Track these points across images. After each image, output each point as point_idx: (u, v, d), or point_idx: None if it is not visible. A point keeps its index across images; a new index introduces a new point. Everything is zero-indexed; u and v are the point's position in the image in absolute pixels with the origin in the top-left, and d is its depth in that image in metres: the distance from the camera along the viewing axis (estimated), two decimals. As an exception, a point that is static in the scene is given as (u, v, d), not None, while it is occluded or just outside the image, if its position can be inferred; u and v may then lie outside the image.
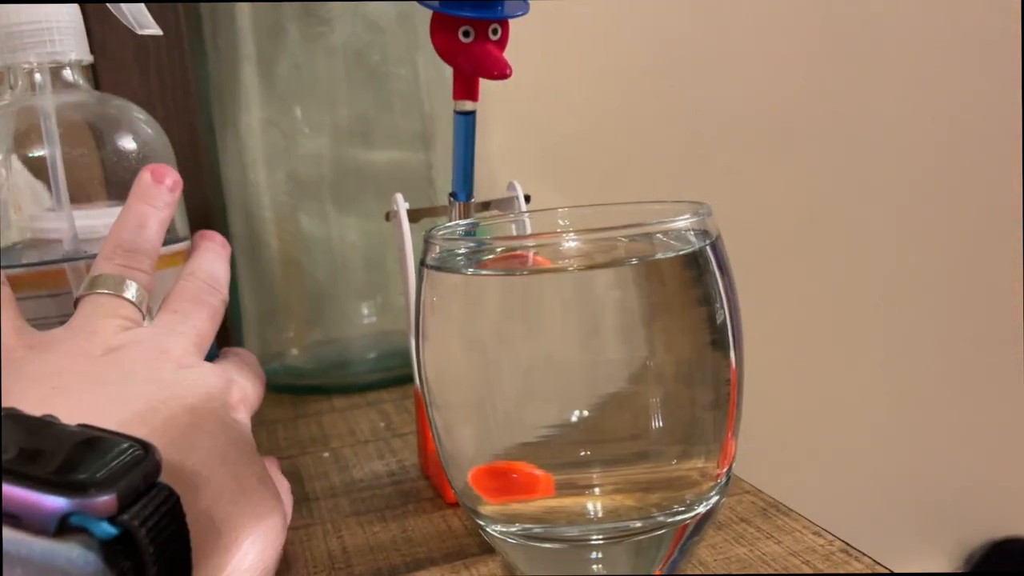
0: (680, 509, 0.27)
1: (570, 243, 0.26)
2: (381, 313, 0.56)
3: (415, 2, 0.32)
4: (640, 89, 0.72)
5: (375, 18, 0.51)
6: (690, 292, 0.26)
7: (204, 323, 0.32)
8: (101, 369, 0.28)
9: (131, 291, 0.31)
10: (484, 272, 0.27)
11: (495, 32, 0.32)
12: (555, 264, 0.27)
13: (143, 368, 0.28)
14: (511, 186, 0.38)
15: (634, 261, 0.26)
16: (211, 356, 0.33)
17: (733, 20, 0.73)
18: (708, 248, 0.26)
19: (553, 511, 0.27)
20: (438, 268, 0.27)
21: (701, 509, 0.27)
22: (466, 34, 0.32)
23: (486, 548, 0.31)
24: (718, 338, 0.26)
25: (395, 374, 0.54)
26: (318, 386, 0.53)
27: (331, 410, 0.49)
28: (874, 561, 0.27)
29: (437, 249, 0.27)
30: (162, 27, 0.62)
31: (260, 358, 0.55)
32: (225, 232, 0.54)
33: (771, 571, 0.28)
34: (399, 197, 0.36)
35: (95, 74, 0.61)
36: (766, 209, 0.75)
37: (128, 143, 0.36)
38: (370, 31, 0.51)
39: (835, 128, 0.76)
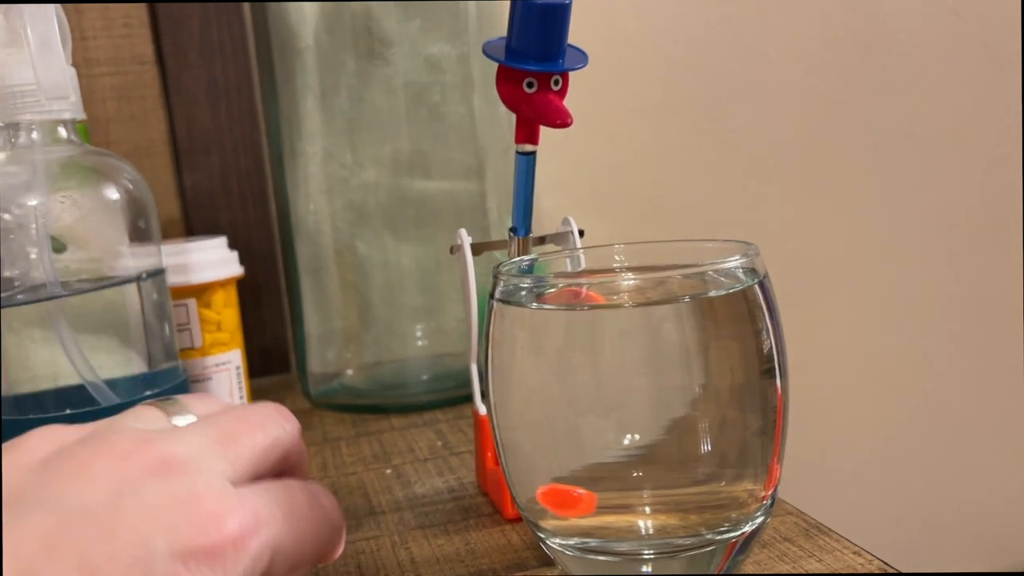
0: (728, 528, 0.29)
1: (628, 281, 0.29)
2: (434, 336, 0.59)
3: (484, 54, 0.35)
4: (682, 121, 0.74)
5: (436, 59, 0.54)
6: (739, 327, 0.28)
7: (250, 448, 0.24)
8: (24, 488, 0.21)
9: (178, 420, 0.24)
10: (548, 306, 0.30)
11: (556, 83, 0.35)
12: (614, 299, 0.29)
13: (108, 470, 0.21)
14: (565, 221, 0.41)
15: (687, 298, 0.28)
16: None
17: (775, 51, 0.75)
18: (757, 286, 0.29)
19: (608, 527, 0.29)
20: (506, 302, 0.30)
21: (747, 528, 0.29)
22: (530, 85, 0.34)
23: (545, 561, 0.33)
24: (765, 369, 0.29)
25: (449, 395, 0.56)
26: (375, 405, 0.56)
27: (390, 429, 0.52)
28: (911, 580, 0.29)
29: (504, 284, 0.30)
30: (232, 66, 0.66)
31: (320, 377, 0.58)
32: (292, 256, 0.58)
33: (813, 587, 0.30)
34: (463, 232, 0.39)
35: (168, 108, 0.65)
36: (809, 238, 0.77)
37: (112, 193, 0.39)
38: (430, 71, 0.54)
39: (875, 158, 0.78)
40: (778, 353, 0.29)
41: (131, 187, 0.40)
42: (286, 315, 0.70)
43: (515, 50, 0.34)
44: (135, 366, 0.39)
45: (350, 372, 0.60)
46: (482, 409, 0.40)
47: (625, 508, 0.29)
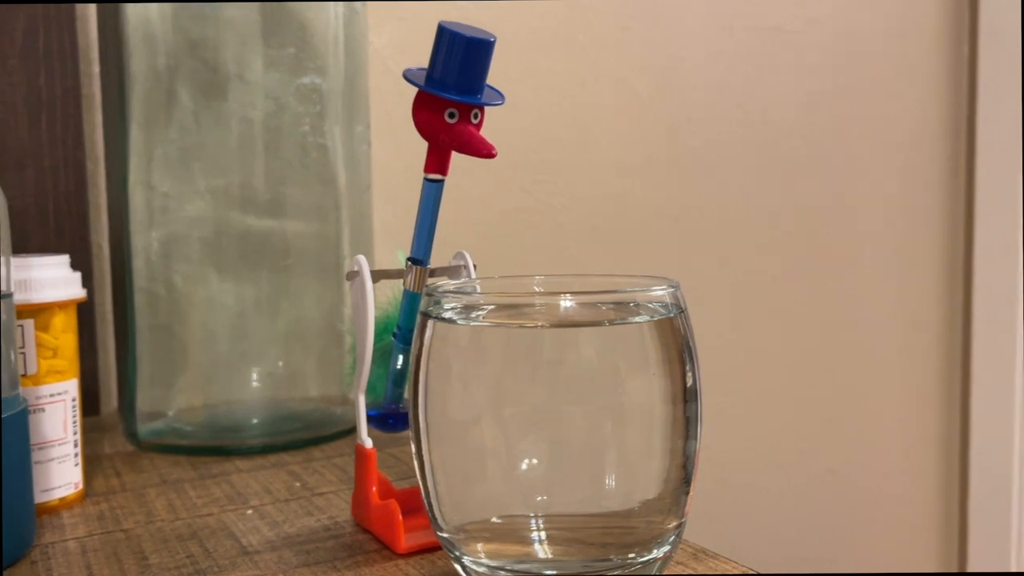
0: (640, 555, 0.30)
1: (566, 303, 0.30)
2: (272, 378, 0.57)
3: (408, 81, 0.35)
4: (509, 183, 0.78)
5: (292, 93, 0.53)
6: (662, 355, 0.30)
7: None
8: None
9: None
10: (488, 324, 0.30)
11: (475, 116, 0.36)
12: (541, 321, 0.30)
13: None
14: (459, 255, 0.41)
15: (618, 322, 0.30)
16: None
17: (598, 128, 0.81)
18: (679, 317, 0.31)
19: (531, 553, 0.30)
20: (449, 320, 0.29)
21: (659, 554, 0.30)
22: (451, 115, 0.35)
23: (451, 592, 0.33)
24: (685, 397, 0.30)
25: (294, 437, 0.54)
26: (215, 447, 0.53)
27: (236, 471, 0.49)
28: (800, 593, 0.32)
29: (446, 302, 0.30)
30: (59, 78, 0.61)
31: (150, 415, 0.54)
32: (129, 287, 0.53)
33: (718, 603, 0.31)
34: (362, 259, 0.38)
35: (-21, 116, 0.58)
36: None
37: None
38: (290, 104, 0.53)
39: (675, 229, 0.85)
40: (696, 382, 0.31)
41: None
42: (100, 353, 0.64)
43: (438, 80, 0.35)
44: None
45: (185, 411, 0.55)
46: (367, 443, 0.39)
47: (547, 533, 0.30)
